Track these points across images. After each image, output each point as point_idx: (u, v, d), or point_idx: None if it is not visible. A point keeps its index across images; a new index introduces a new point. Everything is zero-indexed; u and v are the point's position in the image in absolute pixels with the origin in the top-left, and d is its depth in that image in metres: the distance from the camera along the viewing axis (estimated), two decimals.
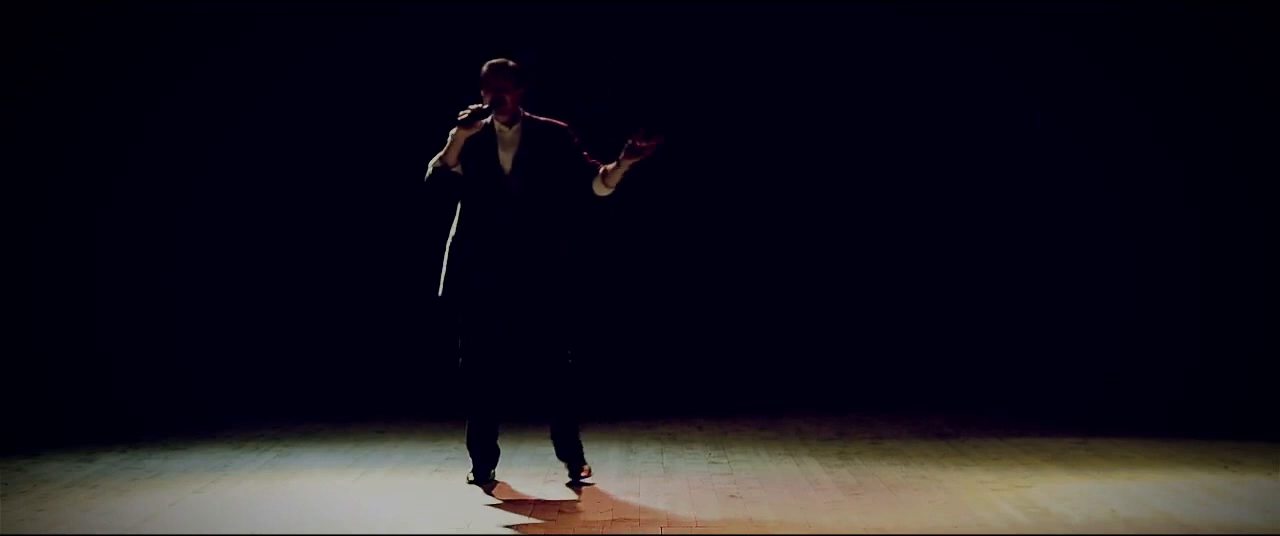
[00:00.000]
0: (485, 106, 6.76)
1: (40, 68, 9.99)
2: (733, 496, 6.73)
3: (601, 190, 6.90)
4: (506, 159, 6.87)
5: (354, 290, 10.72)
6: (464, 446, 8.17)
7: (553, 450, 7.98)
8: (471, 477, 7.11)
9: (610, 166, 6.83)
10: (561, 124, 6.95)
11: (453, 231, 6.97)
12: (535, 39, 10.60)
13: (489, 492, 6.87)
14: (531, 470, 7.42)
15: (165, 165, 10.31)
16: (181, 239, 10.41)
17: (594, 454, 7.61)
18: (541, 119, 6.95)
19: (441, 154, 6.81)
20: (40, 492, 6.82)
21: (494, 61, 6.86)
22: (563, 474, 7.27)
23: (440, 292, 6.99)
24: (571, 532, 5.99)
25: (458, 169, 6.80)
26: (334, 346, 10.63)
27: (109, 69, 10.11)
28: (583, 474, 7.11)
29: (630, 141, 6.73)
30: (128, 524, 6.14)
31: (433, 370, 10.57)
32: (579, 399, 7.12)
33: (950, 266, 10.76)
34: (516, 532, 6.00)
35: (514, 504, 6.59)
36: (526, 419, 9.17)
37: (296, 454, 7.97)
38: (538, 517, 6.29)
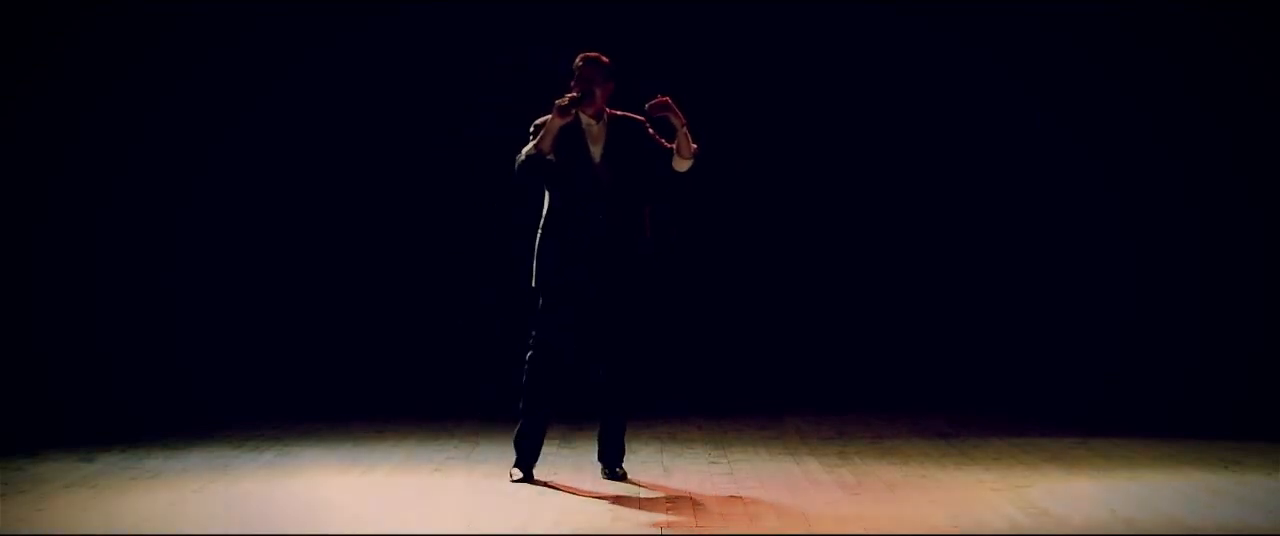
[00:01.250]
0: (578, 96, 6.88)
1: (40, 68, 9.98)
2: (733, 496, 6.73)
3: (681, 165, 7.03)
4: (596, 151, 7.00)
5: (354, 290, 10.72)
6: (464, 446, 8.18)
7: (553, 450, 7.97)
8: (518, 474, 7.09)
9: (676, 143, 6.98)
10: (639, 117, 7.07)
11: (542, 224, 7.04)
12: (535, 39, 10.61)
13: (537, 488, 6.89)
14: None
15: (165, 165, 10.30)
16: (181, 239, 10.40)
17: (594, 454, 7.61)
18: (621, 113, 7.08)
19: (535, 142, 6.91)
20: (40, 492, 6.82)
21: (588, 55, 7.02)
22: (562, 473, 7.27)
23: (533, 283, 7.02)
24: (572, 532, 5.99)
25: (552, 156, 6.89)
26: (334, 346, 10.62)
27: (109, 69, 10.10)
28: (618, 471, 7.15)
29: (647, 108, 6.89)
30: (128, 524, 6.14)
31: (432, 371, 10.60)
32: (636, 398, 7.18)
33: (950, 266, 10.76)
34: (516, 532, 6.00)
35: (514, 504, 6.59)
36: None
37: (296, 454, 7.97)
38: (538, 517, 6.28)
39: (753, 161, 10.73)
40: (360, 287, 10.71)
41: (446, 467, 7.53)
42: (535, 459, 7.17)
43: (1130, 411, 9.38)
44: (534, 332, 7.03)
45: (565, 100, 6.83)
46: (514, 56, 10.61)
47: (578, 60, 7.01)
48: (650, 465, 7.55)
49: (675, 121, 6.93)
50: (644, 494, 6.80)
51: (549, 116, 6.89)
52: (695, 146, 7.01)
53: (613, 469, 7.18)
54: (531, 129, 7.01)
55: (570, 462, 7.61)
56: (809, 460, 7.70)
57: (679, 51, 10.57)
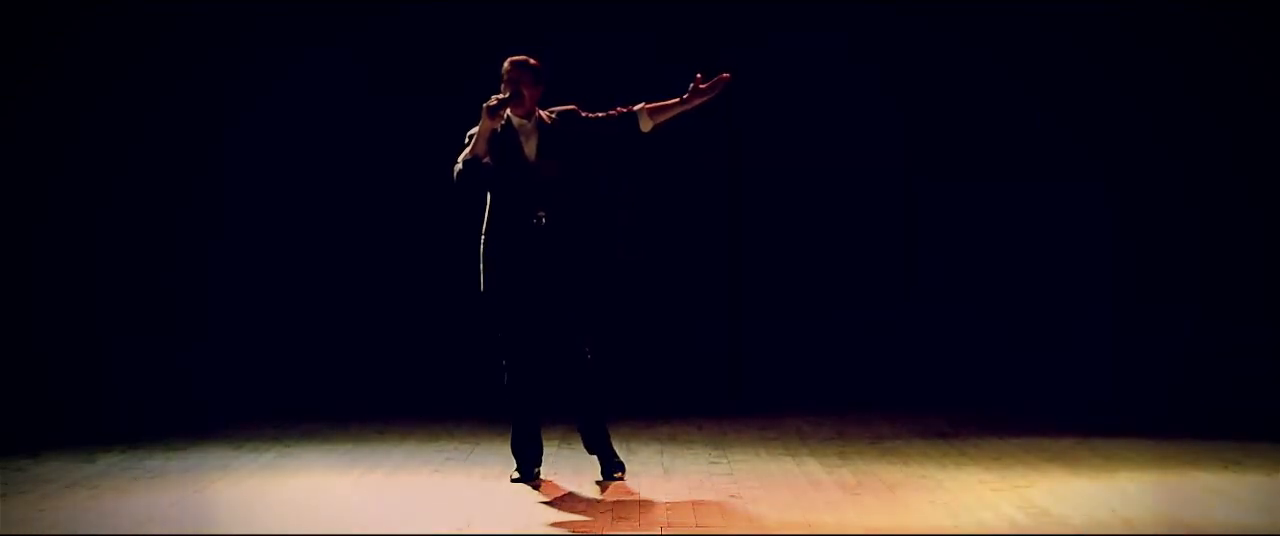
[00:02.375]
0: (507, 97, 6.88)
1: (40, 68, 9.98)
2: (733, 496, 6.73)
3: (646, 125, 7.00)
4: (530, 149, 6.97)
5: (354, 290, 10.72)
6: (464, 446, 8.18)
7: (553, 450, 7.98)
8: (516, 476, 7.10)
9: (667, 102, 6.95)
10: (568, 107, 7.07)
11: (485, 228, 7.04)
12: (535, 39, 10.61)
13: (536, 489, 6.89)
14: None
15: (165, 165, 10.31)
16: (181, 239, 10.40)
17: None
18: (551, 110, 7.06)
19: (469, 148, 6.91)
20: (40, 492, 6.82)
21: (515, 58, 7.00)
22: (562, 473, 7.27)
23: (483, 288, 7.01)
24: (572, 532, 5.99)
25: (487, 159, 6.89)
26: (334, 346, 10.63)
27: (109, 69, 10.10)
28: (616, 475, 7.11)
29: (694, 84, 6.85)
30: (128, 524, 6.14)
31: (432, 371, 10.60)
32: (605, 394, 7.15)
33: (950, 266, 10.76)
34: (516, 532, 6.00)
35: (514, 504, 6.59)
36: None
37: (296, 454, 7.97)
38: (538, 517, 6.28)
39: (752, 161, 10.73)
40: (360, 288, 10.71)
41: (446, 468, 7.53)
42: (535, 462, 7.16)
43: (1130, 411, 9.38)
44: (500, 337, 7.01)
45: (493, 101, 6.82)
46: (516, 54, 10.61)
47: (505, 63, 6.98)
48: (650, 465, 7.55)
49: (693, 101, 6.88)
50: (644, 494, 6.80)
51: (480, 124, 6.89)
52: (673, 112, 6.96)
53: (609, 472, 7.12)
54: (466, 138, 7.01)
55: (570, 463, 7.61)
56: (809, 460, 7.70)
57: (678, 51, 10.56)
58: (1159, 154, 10.31)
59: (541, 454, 7.22)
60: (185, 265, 10.41)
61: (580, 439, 7.24)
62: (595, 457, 7.22)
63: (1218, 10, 10.02)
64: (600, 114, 7.06)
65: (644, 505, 6.54)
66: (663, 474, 7.34)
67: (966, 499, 6.58)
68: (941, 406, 9.71)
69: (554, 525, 6.12)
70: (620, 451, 7.92)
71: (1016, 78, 10.54)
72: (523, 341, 6.99)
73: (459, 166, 6.95)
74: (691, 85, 6.91)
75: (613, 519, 6.24)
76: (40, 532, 6.00)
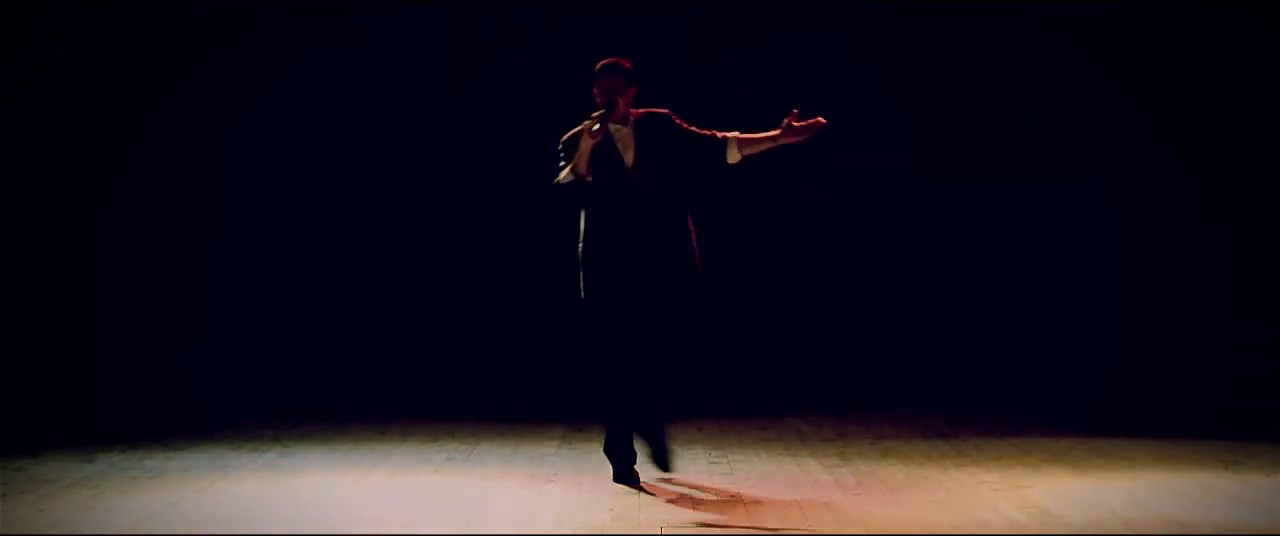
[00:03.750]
0: (604, 113, 6.81)
1: (40, 68, 9.98)
2: (733, 496, 6.73)
3: (734, 157, 6.97)
4: (628, 157, 6.93)
5: (354, 290, 10.72)
6: (464, 446, 8.18)
7: (553, 450, 7.97)
8: (617, 476, 7.04)
9: (758, 135, 6.92)
10: (661, 111, 7.01)
11: (583, 236, 6.98)
12: (535, 39, 10.61)
13: (637, 487, 6.87)
14: (531, 470, 7.42)
15: (165, 165, 10.30)
16: (181, 239, 10.40)
17: (594, 454, 7.61)
18: (645, 111, 7.00)
19: (571, 166, 6.84)
20: (40, 492, 6.82)
21: (606, 63, 6.92)
22: (562, 474, 7.26)
23: (583, 295, 6.98)
24: (572, 532, 5.99)
25: (590, 178, 6.84)
26: (333, 346, 10.62)
27: (109, 69, 10.10)
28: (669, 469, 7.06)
29: (788, 121, 6.85)
30: (128, 524, 6.14)
31: (432, 371, 10.60)
32: (679, 401, 7.13)
33: (950, 266, 10.75)
34: (516, 532, 6.00)
35: (514, 504, 6.58)
36: (524, 419, 9.18)
37: (296, 454, 7.97)
38: (538, 517, 6.28)
39: (752, 161, 10.70)
40: (360, 288, 10.71)
41: (446, 468, 7.53)
42: (632, 460, 7.07)
43: (1130, 411, 9.38)
44: (596, 344, 6.97)
45: (594, 124, 6.75)
46: (519, 55, 10.62)
47: (597, 68, 6.90)
48: (650, 465, 7.54)
49: (785, 139, 6.86)
50: (643, 494, 6.79)
51: (577, 130, 6.85)
52: (764, 146, 6.94)
53: (666, 469, 7.05)
54: (560, 146, 6.95)
55: (570, 463, 7.61)
56: (809, 460, 7.70)
57: (679, 50, 10.57)
58: (1159, 154, 10.30)
59: (636, 455, 7.09)
60: (185, 265, 10.41)
61: (602, 440, 7.17)
62: (650, 460, 7.11)
63: (1218, 10, 10.02)
64: (693, 129, 6.98)
65: (644, 505, 6.54)
66: (663, 473, 7.33)
67: (966, 499, 6.58)
68: (941, 406, 9.71)
69: (554, 525, 6.12)
70: None
71: (1016, 78, 10.54)
72: (621, 347, 6.92)
73: (561, 184, 6.88)
74: (785, 121, 6.86)
75: (613, 519, 6.23)
76: (40, 532, 6.00)
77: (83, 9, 10.02)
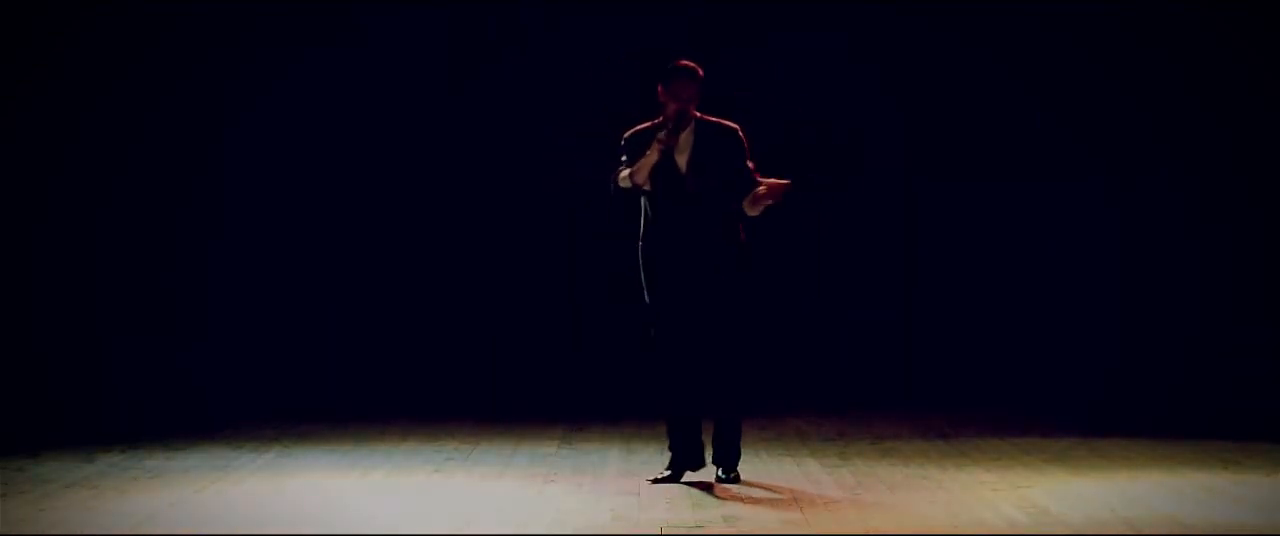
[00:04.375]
0: (673, 121, 6.80)
1: (40, 68, 9.98)
2: (733, 496, 6.72)
3: (749, 210, 6.95)
4: (682, 160, 6.90)
5: (354, 290, 10.72)
6: (464, 446, 8.18)
7: (553, 450, 7.96)
8: (666, 473, 7.02)
9: (760, 191, 6.87)
10: (732, 125, 6.99)
11: (642, 235, 6.99)
12: (535, 39, 10.61)
13: (690, 485, 6.87)
14: (531, 470, 7.41)
15: (165, 165, 10.30)
16: (181, 239, 10.40)
17: (594, 454, 7.61)
18: (712, 119, 6.97)
19: (631, 172, 6.85)
20: (40, 492, 6.81)
21: (680, 66, 6.88)
22: (562, 474, 7.26)
23: (646, 298, 6.98)
24: (572, 532, 5.99)
25: (648, 186, 6.86)
26: (334, 346, 10.62)
27: (109, 69, 10.10)
28: (733, 477, 7.03)
29: (762, 188, 6.83)
30: (128, 524, 6.14)
31: (432, 371, 10.60)
32: (743, 400, 7.09)
33: (950, 266, 10.75)
34: (516, 532, 5.99)
35: (514, 504, 6.58)
36: (524, 419, 9.17)
37: (296, 454, 7.97)
38: (538, 517, 6.28)
39: (752, 161, 10.71)
40: (360, 288, 10.71)
41: (446, 468, 7.52)
42: (691, 464, 7.04)
43: (1130, 411, 9.37)
44: (654, 339, 6.98)
45: (666, 138, 6.76)
46: (518, 56, 10.62)
47: (670, 72, 6.85)
48: (650, 465, 7.54)
49: (761, 203, 6.84)
50: (644, 493, 6.79)
51: (643, 126, 6.87)
52: (764, 205, 6.92)
53: (726, 473, 7.03)
54: (623, 141, 6.94)
55: (570, 462, 7.61)
56: (809, 460, 7.70)
57: (679, 50, 10.55)
58: (1159, 154, 10.30)
59: (702, 460, 7.06)
60: (185, 265, 10.41)
61: (711, 436, 7.11)
62: (712, 462, 7.10)
63: (1218, 10, 10.02)
64: (750, 163, 6.95)
65: (644, 505, 6.53)
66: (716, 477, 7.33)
67: (966, 499, 6.58)
68: (941, 406, 9.71)
69: (554, 525, 6.11)
70: (621, 451, 7.94)
71: (1016, 78, 10.54)
72: (674, 345, 6.93)
73: (619, 185, 6.90)
74: (762, 188, 6.84)
75: (613, 519, 6.23)
76: (40, 532, 6.00)
77: (83, 9, 10.02)
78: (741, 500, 6.64)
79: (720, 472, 7.05)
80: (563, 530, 6.02)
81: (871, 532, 5.93)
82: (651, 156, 6.79)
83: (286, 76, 10.51)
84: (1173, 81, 10.22)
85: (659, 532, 5.97)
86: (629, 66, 10.56)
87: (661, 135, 6.80)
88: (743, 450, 7.12)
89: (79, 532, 5.99)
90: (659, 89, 6.87)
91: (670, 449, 7.10)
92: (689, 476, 7.08)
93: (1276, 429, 8.51)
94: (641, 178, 6.84)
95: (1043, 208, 10.61)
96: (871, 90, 10.72)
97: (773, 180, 6.84)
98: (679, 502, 6.59)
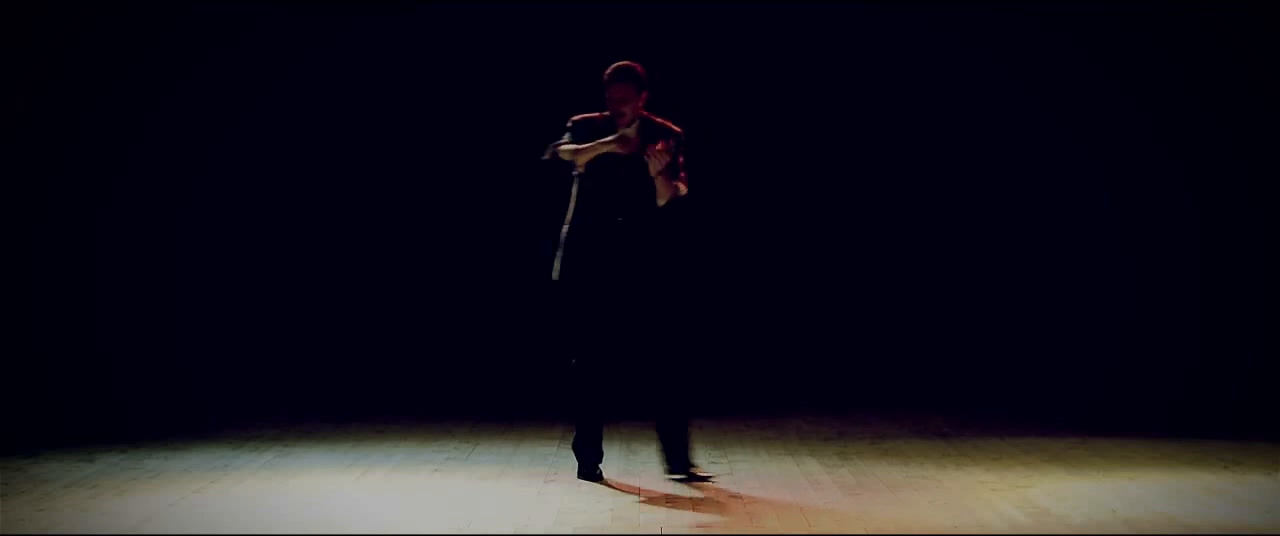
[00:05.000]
0: (632, 126, 6.88)
1: (40, 68, 9.98)
2: (733, 496, 6.73)
3: (659, 199, 6.99)
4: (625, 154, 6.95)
5: (354, 290, 10.72)
6: (464, 446, 8.18)
7: (553, 450, 7.97)
8: (580, 474, 7.11)
9: (658, 148, 6.90)
10: (677, 129, 7.03)
11: (568, 221, 7.03)
12: (535, 39, 10.61)
13: (602, 483, 6.95)
14: (531, 469, 7.42)
15: (165, 165, 10.31)
16: (181, 239, 10.40)
17: None
18: (659, 120, 7.02)
19: (575, 149, 6.90)
20: (40, 492, 6.82)
21: (619, 67, 6.93)
22: (562, 474, 7.26)
23: (556, 276, 7.01)
24: (571, 532, 5.99)
25: (581, 170, 6.92)
26: (334, 346, 10.63)
27: (109, 69, 10.10)
28: (697, 472, 7.08)
29: (646, 156, 6.83)
30: (128, 524, 6.14)
31: (432, 371, 10.60)
32: (692, 395, 7.14)
33: (950, 266, 10.76)
34: (516, 532, 6.00)
35: (514, 504, 6.58)
36: (524, 419, 9.18)
37: (296, 454, 7.97)
38: (537, 517, 6.28)
39: (753, 161, 10.73)
40: (360, 288, 10.72)
41: (446, 468, 7.53)
42: (599, 458, 7.15)
43: (1130, 411, 9.38)
44: (569, 335, 7.01)
45: (632, 134, 6.82)
46: (517, 57, 10.62)
47: (609, 74, 6.92)
48: (650, 465, 7.54)
49: (654, 162, 6.81)
50: (644, 494, 6.79)
51: (592, 115, 6.93)
52: (674, 190, 6.94)
53: (680, 469, 7.07)
54: (569, 123, 6.99)
55: (569, 463, 7.59)
56: (809, 460, 7.70)
57: (680, 50, 10.57)
58: (1159, 154, 10.30)
59: (602, 454, 7.18)
60: (185, 265, 10.41)
61: (659, 433, 7.16)
62: (662, 462, 7.16)
63: (1218, 10, 10.01)
64: (682, 159, 6.99)
65: (644, 505, 6.54)
66: (663, 474, 7.34)
67: (966, 499, 6.58)
68: (941, 406, 9.71)
69: (554, 525, 6.12)
70: (621, 451, 7.94)
71: (1016, 78, 10.54)
72: (594, 340, 6.97)
73: (555, 154, 6.94)
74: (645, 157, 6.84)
75: (612, 519, 6.24)
76: (40, 532, 6.00)
77: (83, 9, 10.02)
78: (741, 500, 6.64)
79: (672, 469, 7.09)
80: (563, 530, 6.03)
81: (871, 532, 5.93)
82: (602, 147, 6.82)
83: (286, 76, 10.51)
84: (1173, 81, 10.22)
85: (659, 532, 5.97)
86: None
87: (625, 133, 6.82)
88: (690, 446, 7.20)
89: (79, 532, 6.00)
90: (610, 88, 6.90)
91: (577, 452, 7.13)
92: (684, 477, 7.08)
93: (1277, 429, 8.52)
94: (583, 162, 6.86)
95: (1043, 207, 10.61)
96: (871, 90, 10.72)
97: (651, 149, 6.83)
98: (679, 502, 6.59)
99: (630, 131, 6.86)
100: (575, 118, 7.03)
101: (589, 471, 7.11)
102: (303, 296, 10.63)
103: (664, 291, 7.00)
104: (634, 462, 7.63)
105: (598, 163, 6.92)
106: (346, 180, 10.66)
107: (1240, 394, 9.53)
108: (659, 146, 6.83)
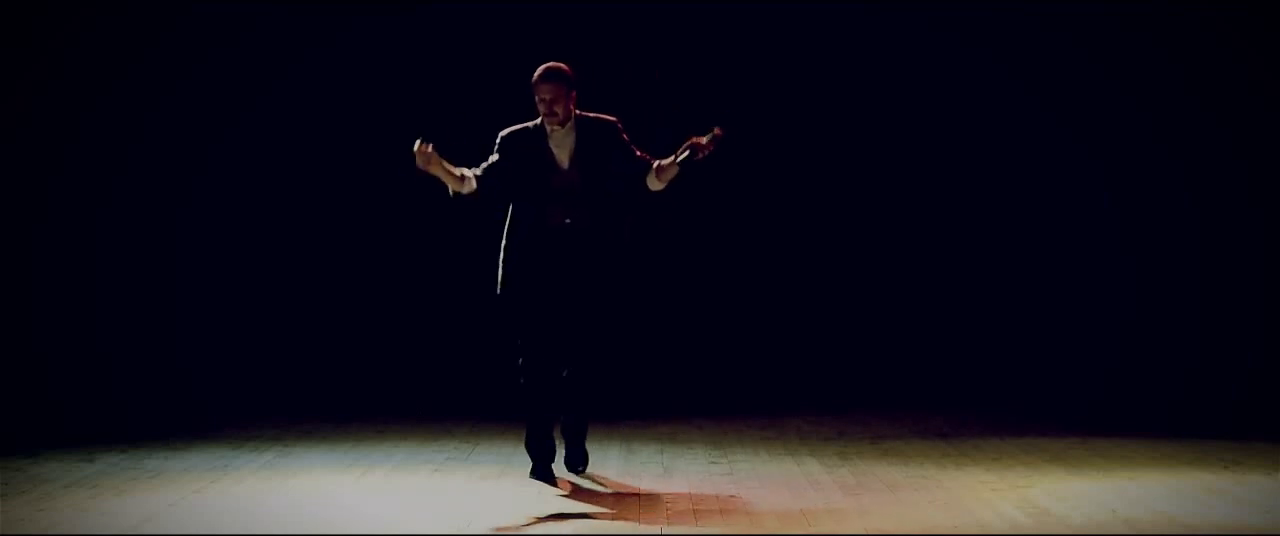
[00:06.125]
0: (561, 125, 6.92)
1: (40, 68, 9.98)
2: (733, 496, 6.73)
3: (655, 185, 6.99)
4: (563, 156, 6.97)
5: (354, 290, 10.72)
6: (464, 446, 8.18)
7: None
8: (533, 474, 7.16)
9: (665, 161, 6.92)
10: (610, 118, 7.06)
11: (507, 229, 7.06)
12: (534, 39, 10.60)
13: (553, 484, 6.98)
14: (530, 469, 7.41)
15: (165, 165, 10.30)
16: (181, 239, 10.40)
17: (594, 454, 7.61)
18: (592, 115, 7.05)
19: (485, 167, 7.04)
20: (40, 492, 6.82)
21: (548, 69, 6.95)
22: (562, 474, 7.26)
23: (500, 288, 7.04)
24: (571, 532, 5.99)
25: (464, 192, 7.01)
26: (334, 346, 10.62)
27: (109, 69, 10.10)
28: (578, 469, 7.24)
29: (691, 140, 6.81)
30: (128, 524, 6.14)
31: (432, 370, 10.60)
32: (595, 400, 7.23)
33: (950, 266, 10.76)
34: (516, 532, 6.00)
35: (514, 504, 6.59)
36: (523, 419, 9.17)
37: (296, 454, 7.97)
38: (537, 517, 6.29)
39: (753, 161, 10.72)
40: (360, 288, 10.71)
41: (446, 467, 7.53)
42: (551, 457, 7.19)
43: (1130, 411, 9.38)
44: (517, 340, 7.05)
45: (427, 158, 6.99)
46: (517, 58, 10.61)
47: (538, 76, 6.94)
48: (650, 465, 7.55)
49: (684, 157, 6.83)
50: (644, 494, 6.80)
51: (518, 128, 7.02)
52: (672, 173, 6.95)
53: (577, 464, 7.25)
54: (498, 140, 7.06)
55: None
56: (809, 460, 7.70)
57: (681, 50, 10.57)
58: (1159, 154, 10.30)
59: (555, 452, 7.24)
60: (185, 265, 10.41)
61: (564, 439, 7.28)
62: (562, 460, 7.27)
63: (1218, 10, 10.01)
64: (633, 147, 7.02)
65: (644, 505, 6.54)
66: (663, 473, 7.34)
67: (966, 499, 6.59)
68: (941, 406, 9.71)
69: (553, 525, 6.12)
70: (621, 451, 7.95)
71: (1016, 77, 10.54)
72: (539, 343, 7.00)
73: (478, 172, 7.03)
74: (690, 140, 6.82)
75: (612, 518, 6.24)
76: (40, 532, 6.00)
77: (83, 9, 10.02)
78: (741, 500, 6.64)
79: (569, 463, 7.22)
80: (563, 529, 6.03)
81: (871, 532, 5.93)
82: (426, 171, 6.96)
83: (286, 76, 10.51)
84: (1173, 81, 10.21)
85: (659, 532, 5.97)
86: (625, 67, 10.57)
87: (698, 141, 6.79)
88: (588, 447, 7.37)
89: (79, 532, 6.00)
90: (538, 89, 6.92)
91: (528, 451, 7.19)
92: (690, 477, 7.08)
93: (1276, 429, 8.52)
94: (668, 177, 6.87)
95: (1043, 207, 10.60)
96: (871, 90, 10.72)
97: (695, 139, 6.80)
98: (679, 502, 6.59)
99: (703, 139, 6.84)
100: (502, 133, 7.07)
101: (541, 471, 7.14)
102: (302, 296, 10.62)
103: (607, 292, 7.03)
104: (634, 463, 7.63)
105: (532, 171, 6.95)
106: (346, 180, 10.65)
107: (1240, 394, 9.53)
108: (668, 163, 6.86)
